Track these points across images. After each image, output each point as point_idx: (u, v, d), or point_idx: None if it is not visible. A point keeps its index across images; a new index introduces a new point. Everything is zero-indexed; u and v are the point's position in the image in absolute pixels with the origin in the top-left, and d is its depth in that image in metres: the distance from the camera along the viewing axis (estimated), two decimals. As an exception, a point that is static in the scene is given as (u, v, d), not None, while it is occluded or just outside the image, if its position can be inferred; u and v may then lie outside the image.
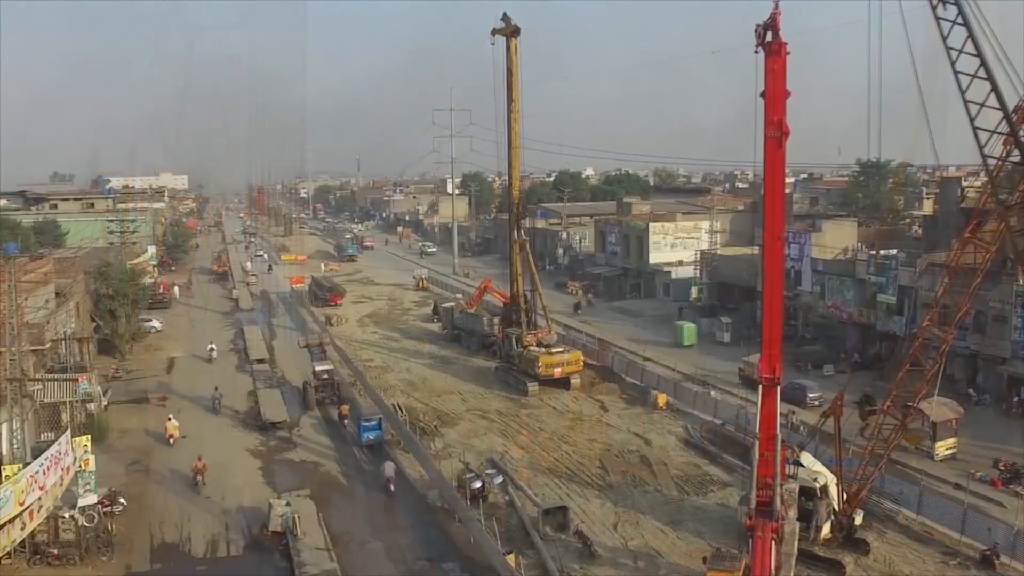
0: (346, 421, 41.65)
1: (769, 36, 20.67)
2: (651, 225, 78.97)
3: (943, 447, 36.45)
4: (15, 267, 27.57)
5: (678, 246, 78.72)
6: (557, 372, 46.48)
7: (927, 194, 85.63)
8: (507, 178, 53.49)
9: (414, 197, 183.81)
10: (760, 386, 22.03)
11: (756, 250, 65.73)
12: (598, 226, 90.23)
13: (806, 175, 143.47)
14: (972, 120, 18.29)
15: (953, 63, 17.95)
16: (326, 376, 45.88)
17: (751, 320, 63.36)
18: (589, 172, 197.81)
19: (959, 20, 17.68)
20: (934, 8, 17.66)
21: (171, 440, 39.42)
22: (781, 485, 22.15)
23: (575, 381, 47.10)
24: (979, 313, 46.32)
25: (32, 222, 79.75)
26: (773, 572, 21.09)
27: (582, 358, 48.53)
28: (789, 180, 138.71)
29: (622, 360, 51.76)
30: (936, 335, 25.16)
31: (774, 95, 20.82)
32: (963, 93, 17.85)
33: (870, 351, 52.08)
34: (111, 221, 68.49)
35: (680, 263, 75.58)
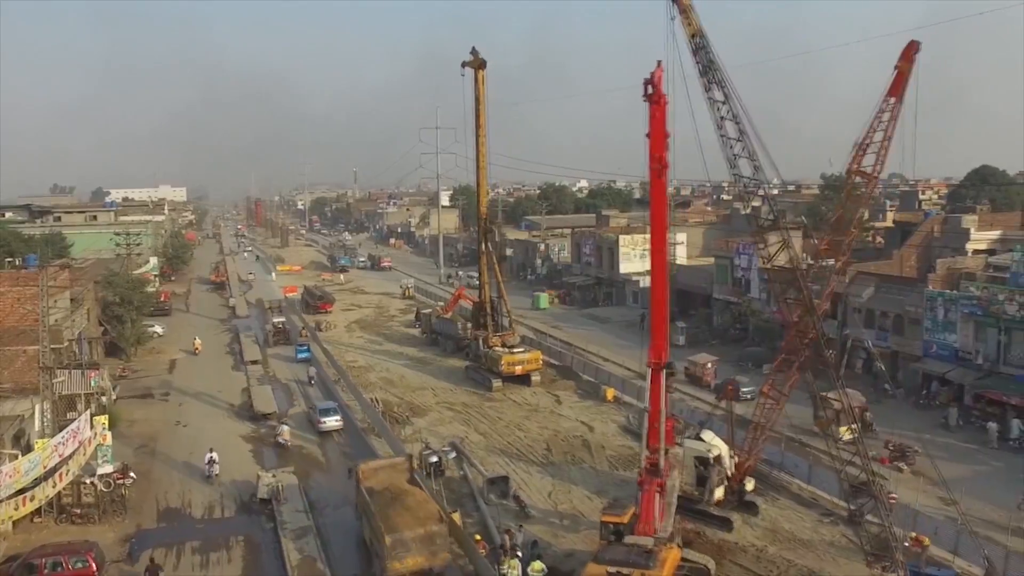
0: None
1: (650, 90, 26.13)
2: (621, 237, 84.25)
3: (846, 431, 41.76)
4: (47, 276, 32.91)
5: (647, 257, 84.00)
6: (518, 369, 51.70)
7: (889, 206, 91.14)
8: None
9: (407, 209, 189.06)
10: (650, 370, 27.37)
11: (712, 260, 71.66)
12: (574, 238, 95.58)
13: (793, 187, 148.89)
14: (732, 167, 24.01)
15: (720, 128, 23.67)
16: (280, 326, 68.43)
17: (707, 324, 68.93)
18: (583, 184, 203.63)
19: (725, 101, 23.42)
20: (708, 91, 23.33)
21: (196, 351, 62.63)
22: (666, 450, 27.50)
23: (535, 378, 52.30)
24: (898, 316, 51.84)
25: (40, 234, 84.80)
26: (656, 518, 26.38)
27: (541, 357, 53.92)
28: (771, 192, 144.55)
29: (581, 360, 57.17)
30: (800, 328, 30.65)
31: (655, 136, 26.28)
32: (732, 149, 23.50)
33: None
34: (118, 235, 73.76)
35: (648, 272, 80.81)
